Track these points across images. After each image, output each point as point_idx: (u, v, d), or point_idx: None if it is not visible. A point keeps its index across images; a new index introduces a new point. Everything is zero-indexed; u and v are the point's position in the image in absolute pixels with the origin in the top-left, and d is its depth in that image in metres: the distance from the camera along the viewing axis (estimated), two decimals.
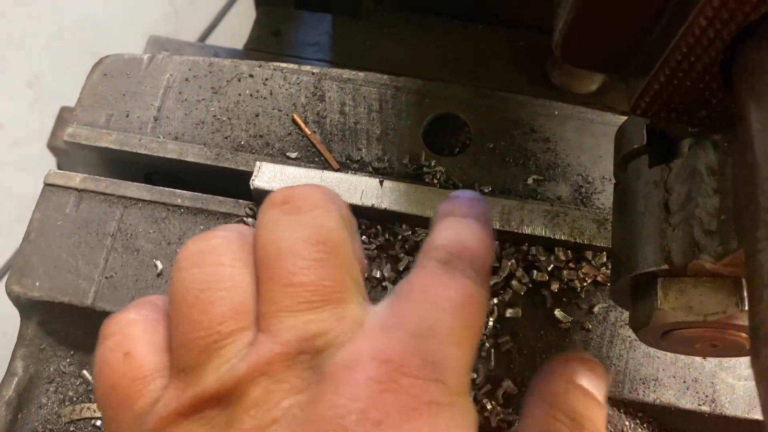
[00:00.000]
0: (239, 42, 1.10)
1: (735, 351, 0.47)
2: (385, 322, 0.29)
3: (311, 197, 0.32)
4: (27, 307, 0.61)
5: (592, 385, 0.36)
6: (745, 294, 0.42)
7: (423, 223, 0.62)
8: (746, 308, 0.42)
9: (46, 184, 0.63)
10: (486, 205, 0.39)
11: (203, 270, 0.29)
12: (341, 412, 0.25)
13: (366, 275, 0.61)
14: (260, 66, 0.70)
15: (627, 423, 0.58)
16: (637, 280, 0.47)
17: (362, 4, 1.02)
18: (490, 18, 1.06)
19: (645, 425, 0.59)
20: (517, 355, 0.59)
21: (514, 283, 0.61)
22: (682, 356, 0.59)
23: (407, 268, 0.61)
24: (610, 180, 0.66)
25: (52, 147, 0.96)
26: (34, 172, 0.78)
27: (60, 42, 1.83)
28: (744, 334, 0.44)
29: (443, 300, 0.30)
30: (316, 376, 0.26)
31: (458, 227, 0.35)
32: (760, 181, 0.33)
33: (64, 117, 0.98)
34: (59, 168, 0.79)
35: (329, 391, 0.25)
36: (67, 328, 0.62)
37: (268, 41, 1.14)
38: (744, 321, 0.42)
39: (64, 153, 0.78)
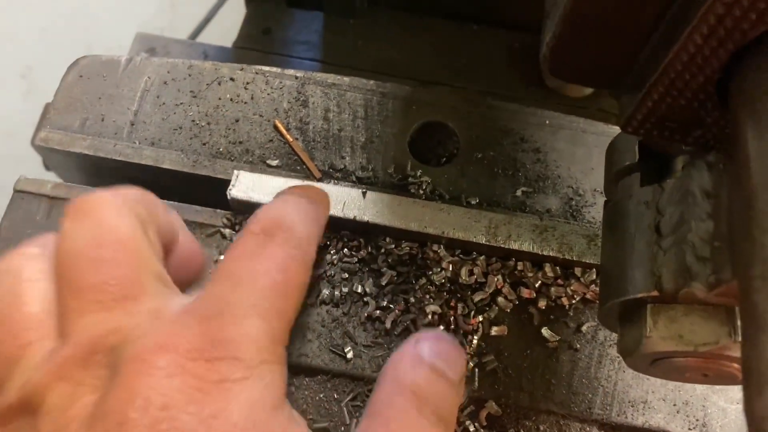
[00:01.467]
0: (233, 38, 1.08)
1: (727, 380, 0.45)
2: (184, 309, 0.30)
3: (98, 200, 0.33)
4: None
5: (442, 363, 0.34)
6: (739, 323, 0.40)
7: (407, 236, 0.60)
8: (739, 338, 0.40)
9: (16, 191, 0.61)
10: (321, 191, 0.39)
11: (2, 289, 0.30)
12: (125, 403, 0.25)
13: (347, 290, 0.59)
14: (242, 69, 0.67)
15: None
16: (626, 304, 0.45)
17: (355, 2, 0.99)
18: (485, 19, 1.04)
19: None
20: (502, 374, 0.57)
21: (500, 299, 0.59)
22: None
23: (390, 283, 0.59)
24: (601, 193, 0.64)
25: (36, 146, 0.93)
26: (27, 164, 0.75)
27: (54, 33, 1.80)
28: (737, 365, 0.42)
29: (245, 272, 0.31)
30: (111, 373, 0.27)
31: (283, 203, 0.36)
32: (755, 213, 0.31)
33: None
34: (45, 167, 0.76)
35: (118, 385, 0.26)
36: None
37: (258, 39, 1.12)
38: (737, 352, 0.40)
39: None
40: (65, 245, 0.31)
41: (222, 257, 0.32)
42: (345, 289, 0.59)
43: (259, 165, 0.63)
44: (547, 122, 0.67)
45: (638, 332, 0.43)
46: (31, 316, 0.29)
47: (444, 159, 0.66)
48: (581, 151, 0.65)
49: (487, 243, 0.58)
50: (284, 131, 0.64)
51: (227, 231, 0.60)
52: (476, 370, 0.57)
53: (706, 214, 0.41)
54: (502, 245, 0.58)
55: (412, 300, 0.58)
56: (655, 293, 0.42)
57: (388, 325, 0.57)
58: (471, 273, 0.59)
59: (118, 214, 0.32)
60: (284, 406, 0.30)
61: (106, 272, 0.30)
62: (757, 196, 0.31)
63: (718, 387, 0.57)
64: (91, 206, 0.32)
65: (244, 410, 0.28)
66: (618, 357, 0.58)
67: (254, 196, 0.59)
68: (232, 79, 0.67)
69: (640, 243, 0.44)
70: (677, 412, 0.56)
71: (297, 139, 0.65)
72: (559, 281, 0.59)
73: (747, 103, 0.34)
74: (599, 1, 0.37)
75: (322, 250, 0.60)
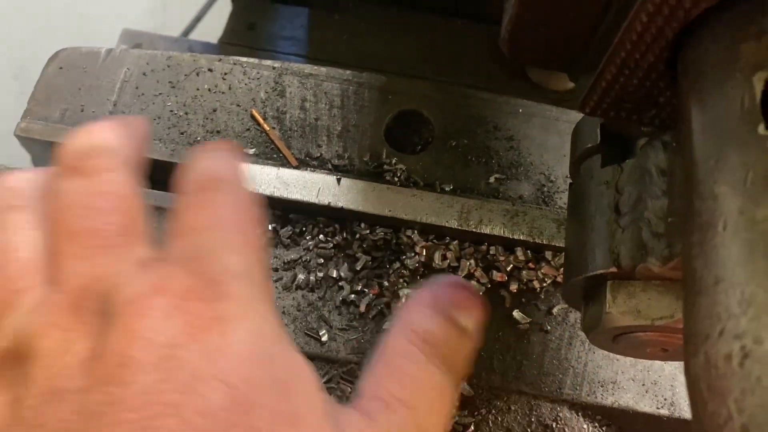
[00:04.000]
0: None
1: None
2: (166, 256, 0.30)
3: (95, 157, 0.32)
4: None
5: (457, 311, 0.34)
6: None
7: (381, 222, 0.61)
8: None
9: None
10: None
11: None
12: (126, 345, 0.25)
13: (322, 275, 0.60)
14: (219, 60, 0.69)
15: (585, 426, 0.58)
16: (588, 282, 0.46)
17: None
18: (470, 14, 1.05)
19: (603, 428, 0.58)
20: (474, 356, 0.58)
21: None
22: (642, 359, 0.58)
23: (365, 267, 0.60)
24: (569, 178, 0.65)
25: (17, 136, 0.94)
26: (21, 166, 0.76)
27: (45, 34, 1.81)
28: None
29: (202, 221, 0.31)
30: (105, 318, 0.27)
31: (204, 160, 0.36)
32: (695, 183, 0.32)
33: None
34: (33, 164, 0.77)
35: (116, 328, 0.26)
36: None
37: (243, 35, 1.13)
38: None
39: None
40: (61, 198, 0.31)
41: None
42: (320, 274, 0.60)
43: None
44: (521, 110, 0.68)
45: (599, 308, 0.44)
46: (22, 263, 0.29)
47: (419, 147, 0.67)
48: (554, 139, 0.67)
49: (460, 228, 0.60)
50: (261, 120, 0.65)
51: None
52: None
53: (662, 192, 0.42)
54: (474, 230, 0.59)
55: (386, 284, 0.59)
56: (613, 269, 0.43)
57: (362, 308, 0.59)
58: (444, 257, 0.60)
59: (116, 169, 0.32)
60: (284, 336, 0.30)
61: (100, 219, 0.30)
62: (698, 166, 0.32)
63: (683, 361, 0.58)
64: (88, 165, 0.32)
65: (247, 343, 0.27)
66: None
67: None
68: (210, 70, 0.68)
69: (600, 222, 0.45)
70: (646, 391, 0.57)
71: (274, 128, 0.66)
72: (530, 265, 0.60)
73: (691, 79, 0.35)
74: None
75: (297, 236, 0.61)
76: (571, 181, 0.51)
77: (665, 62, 0.37)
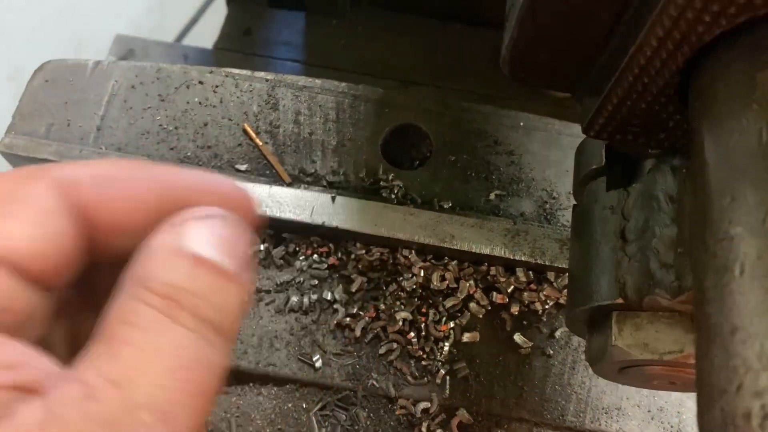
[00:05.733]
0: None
1: (694, 388, 0.44)
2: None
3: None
4: None
5: (211, 250, 0.24)
6: None
7: (378, 242, 0.59)
8: None
9: None
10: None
11: None
12: None
13: (316, 297, 0.58)
14: (211, 72, 0.66)
15: None
16: (593, 311, 0.44)
17: (337, 2, 0.98)
18: (470, 18, 1.03)
19: None
20: (473, 382, 0.56)
21: (472, 305, 0.58)
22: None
23: (361, 289, 0.58)
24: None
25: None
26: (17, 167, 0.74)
27: (42, 34, 1.79)
28: None
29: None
30: None
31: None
32: (709, 221, 0.30)
33: None
34: None
35: None
36: None
37: (239, 40, 1.11)
38: None
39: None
40: None
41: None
42: (314, 297, 0.58)
43: (228, 170, 0.62)
44: (522, 124, 0.66)
45: (604, 340, 0.42)
46: None
47: (417, 162, 0.65)
48: (556, 154, 0.64)
49: (458, 248, 0.57)
50: (253, 135, 0.63)
51: None
52: (447, 377, 0.56)
53: (670, 220, 0.40)
54: (474, 250, 0.57)
55: (383, 306, 0.57)
56: (620, 301, 0.41)
57: (357, 332, 0.56)
58: (443, 278, 0.58)
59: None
60: None
61: None
62: (712, 203, 0.30)
63: (693, 392, 0.56)
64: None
65: None
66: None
67: None
68: (200, 82, 0.66)
69: (605, 249, 0.43)
70: (652, 418, 0.55)
71: (267, 143, 0.63)
72: (532, 286, 0.58)
73: (704, 108, 0.33)
74: (555, 3, 0.36)
75: (290, 256, 0.59)
76: (575, 201, 0.49)
77: (675, 86, 0.35)
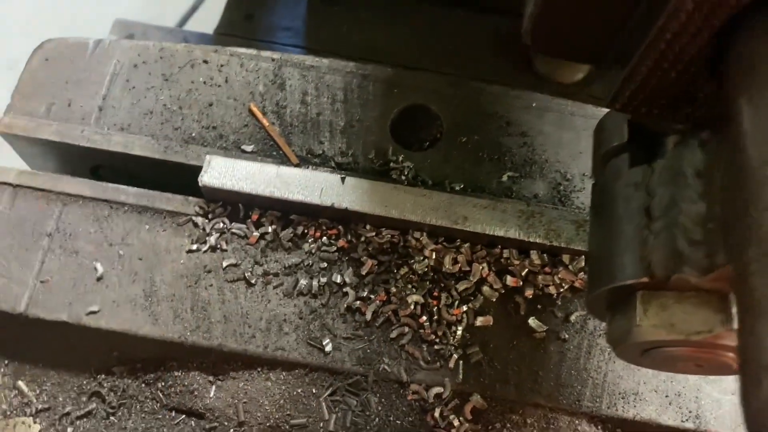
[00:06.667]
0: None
1: (721, 370, 0.42)
2: None
3: None
4: None
5: None
6: (734, 311, 0.38)
7: (388, 224, 0.57)
8: (734, 326, 0.38)
9: None
10: None
11: None
12: None
13: (325, 280, 0.56)
14: (215, 51, 0.65)
15: None
16: (615, 292, 0.43)
17: None
18: (472, 4, 1.01)
19: None
20: (487, 367, 0.55)
21: (485, 289, 0.56)
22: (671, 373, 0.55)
23: (371, 272, 0.57)
24: (590, 177, 0.61)
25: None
26: (15, 157, 0.72)
27: (39, 24, 1.76)
28: (732, 354, 0.40)
29: None
30: None
31: None
32: (752, 190, 0.28)
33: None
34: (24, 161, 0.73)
35: None
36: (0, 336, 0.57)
37: (240, 25, 1.09)
38: (732, 341, 0.38)
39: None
40: None
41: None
42: (323, 279, 0.56)
43: (234, 150, 0.61)
44: (534, 105, 0.64)
45: (628, 321, 0.41)
46: None
47: (427, 144, 0.63)
48: (569, 135, 0.63)
49: (471, 230, 0.56)
50: (260, 115, 0.62)
51: (199, 219, 0.57)
52: (461, 362, 0.54)
53: (698, 195, 0.39)
54: (487, 232, 0.56)
55: (394, 290, 0.56)
56: (645, 279, 0.39)
57: (368, 316, 0.55)
58: (455, 261, 0.57)
59: None
60: None
61: None
62: (754, 172, 0.28)
63: (711, 377, 0.55)
64: None
65: None
66: (608, 347, 0.55)
67: (227, 183, 0.56)
68: (205, 62, 0.64)
69: (628, 227, 0.41)
70: (669, 403, 0.54)
71: (273, 123, 0.62)
72: (547, 269, 0.57)
73: (743, 75, 0.31)
74: None
75: (299, 238, 0.58)
76: (593, 180, 0.48)
77: (709, 54, 0.34)
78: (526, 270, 0.57)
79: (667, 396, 0.54)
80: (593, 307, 0.46)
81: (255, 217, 0.58)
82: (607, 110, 0.65)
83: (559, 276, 0.56)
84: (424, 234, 0.57)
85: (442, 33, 1.02)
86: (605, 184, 0.45)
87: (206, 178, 0.56)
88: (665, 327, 0.40)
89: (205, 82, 0.63)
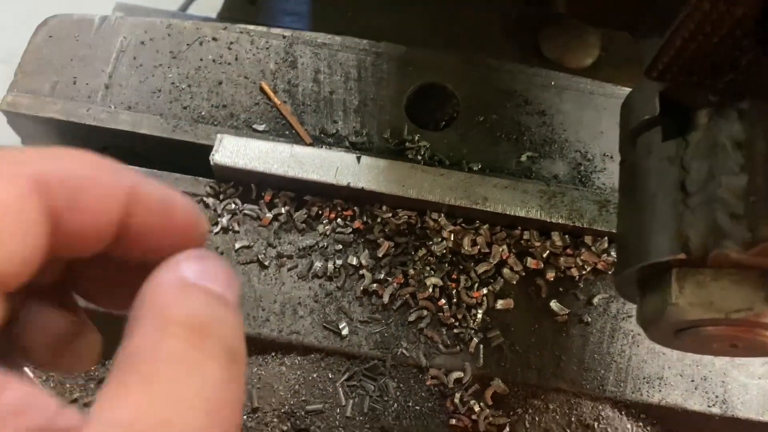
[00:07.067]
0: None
1: (758, 351, 0.41)
2: None
3: None
4: None
5: (215, 283, 0.24)
6: None
7: (405, 204, 0.56)
8: None
9: None
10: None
11: None
12: None
13: (341, 262, 0.54)
14: (225, 28, 0.63)
15: (629, 426, 0.53)
16: (647, 270, 0.41)
17: None
18: None
19: (648, 428, 0.53)
20: (508, 351, 0.53)
21: (505, 271, 0.55)
22: (703, 355, 0.53)
23: (388, 254, 0.55)
24: (611, 157, 0.60)
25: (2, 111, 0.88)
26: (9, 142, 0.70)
27: (38, 18, 1.74)
28: None
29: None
30: None
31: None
32: None
33: None
34: (22, 142, 0.71)
35: None
36: None
37: (243, 9, 1.06)
38: None
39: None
40: None
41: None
42: (339, 262, 0.54)
43: (245, 129, 0.59)
44: (552, 83, 0.62)
45: (662, 299, 0.39)
46: None
47: (443, 123, 0.62)
48: (589, 114, 0.61)
49: (491, 210, 0.54)
50: (271, 94, 0.60)
51: (210, 200, 0.56)
52: (481, 346, 0.53)
53: (739, 167, 0.37)
54: (508, 212, 0.54)
55: (411, 272, 0.54)
56: (681, 256, 0.38)
57: (385, 299, 0.53)
58: (474, 243, 0.55)
59: None
60: None
61: None
62: None
63: (738, 361, 0.54)
64: None
65: None
66: (632, 330, 0.54)
67: (239, 162, 0.54)
68: (214, 39, 0.62)
69: (663, 203, 0.40)
70: (695, 388, 0.53)
71: (285, 102, 0.60)
72: (569, 251, 0.55)
73: None
74: None
75: (313, 219, 0.56)
76: (622, 158, 0.46)
77: (757, 16, 0.32)
78: (548, 252, 0.55)
79: (692, 380, 0.53)
80: (622, 288, 0.44)
81: (268, 197, 0.56)
82: (627, 89, 0.64)
83: (582, 258, 0.55)
84: (442, 215, 0.55)
85: (451, 17, 1.00)
86: (636, 160, 0.43)
87: (218, 157, 0.54)
88: (703, 305, 0.38)
89: (214, 60, 0.61)
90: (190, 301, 0.23)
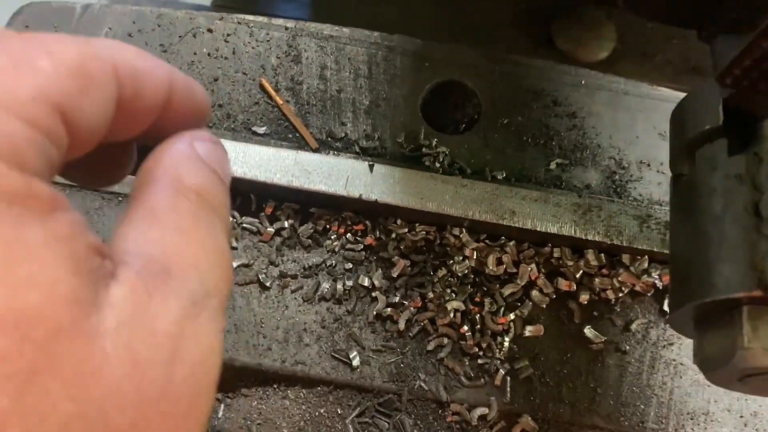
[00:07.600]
0: None
1: None
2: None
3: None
4: None
5: (218, 166, 0.29)
6: None
7: (423, 218, 0.50)
8: None
9: None
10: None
11: None
12: None
13: (351, 283, 0.49)
14: (221, 19, 0.57)
15: None
16: (710, 304, 0.36)
17: None
18: None
19: None
20: (538, 383, 0.48)
21: (534, 293, 0.49)
22: None
23: (403, 274, 0.49)
24: (648, 165, 0.54)
25: None
26: None
27: (10, 5, 1.67)
28: None
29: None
30: None
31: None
32: None
33: None
34: None
35: None
36: None
37: None
38: None
39: None
40: None
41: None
42: (349, 283, 0.49)
43: (243, 132, 0.53)
44: (583, 82, 0.57)
45: (731, 341, 0.34)
46: None
47: (463, 125, 0.56)
48: (623, 117, 0.56)
49: (519, 226, 0.49)
50: (273, 92, 0.54)
51: None
52: (508, 378, 0.47)
53: None
54: (539, 228, 0.49)
55: (430, 295, 0.49)
56: (757, 293, 0.32)
57: (401, 325, 0.48)
58: (499, 262, 0.49)
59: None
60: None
61: None
62: None
63: None
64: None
65: None
66: (674, 360, 0.49)
67: (238, 170, 0.49)
68: (209, 30, 0.56)
69: (732, 228, 0.34)
70: (745, 424, 0.47)
71: (288, 101, 0.54)
72: (604, 271, 0.50)
73: None
74: None
75: (320, 235, 0.50)
76: (673, 173, 0.40)
77: None
78: (581, 272, 0.50)
79: (741, 416, 0.48)
80: (678, 324, 0.39)
81: (269, 210, 0.50)
82: (663, 89, 0.58)
83: (619, 279, 0.49)
84: (464, 230, 0.50)
85: (459, 7, 0.95)
86: (695, 177, 0.38)
87: None
88: None
89: (209, 54, 0.55)
90: (201, 174, 0.28)
